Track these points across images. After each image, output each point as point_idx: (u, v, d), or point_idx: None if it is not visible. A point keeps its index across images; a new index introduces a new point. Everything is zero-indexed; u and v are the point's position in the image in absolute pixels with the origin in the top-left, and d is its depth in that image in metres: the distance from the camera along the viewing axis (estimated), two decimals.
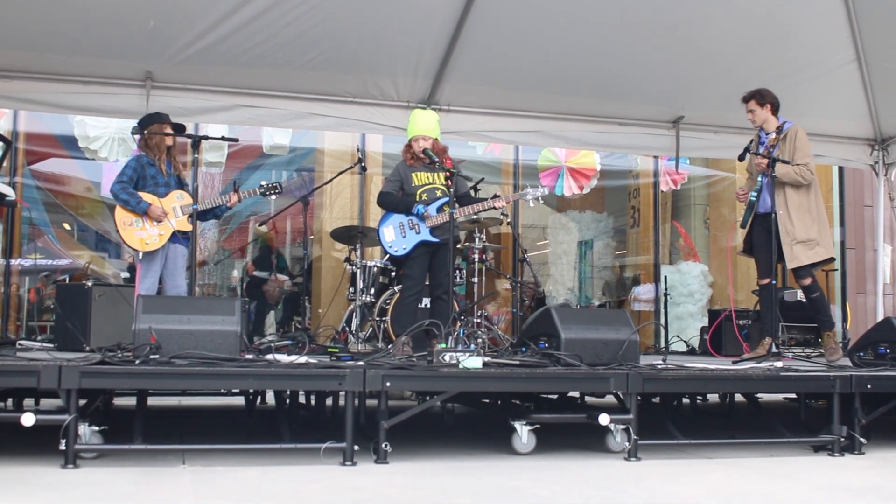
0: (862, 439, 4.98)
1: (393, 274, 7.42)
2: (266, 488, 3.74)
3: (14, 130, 9.61)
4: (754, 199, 6.15)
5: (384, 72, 7.29)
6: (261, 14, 6.38)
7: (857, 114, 8.06)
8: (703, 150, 8.77)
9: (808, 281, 6.08)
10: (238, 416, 6.76)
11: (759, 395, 5.80)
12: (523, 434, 4.68)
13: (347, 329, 7.34)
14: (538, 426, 4.71)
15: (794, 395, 6.54)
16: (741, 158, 6.31)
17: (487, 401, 6.08)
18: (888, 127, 8.41)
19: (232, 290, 11.33)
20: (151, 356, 4.31)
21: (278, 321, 11.04)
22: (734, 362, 5.74)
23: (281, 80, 7.13)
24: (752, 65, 7.44)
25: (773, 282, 6.05)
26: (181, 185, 6.05)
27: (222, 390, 6.70)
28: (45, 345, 6.39)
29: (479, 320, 7.30)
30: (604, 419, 4.61)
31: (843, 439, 4.92)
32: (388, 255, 6.67)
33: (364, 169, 7.90)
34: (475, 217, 7.28)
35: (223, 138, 7.10)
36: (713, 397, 7.53)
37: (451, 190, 5.66)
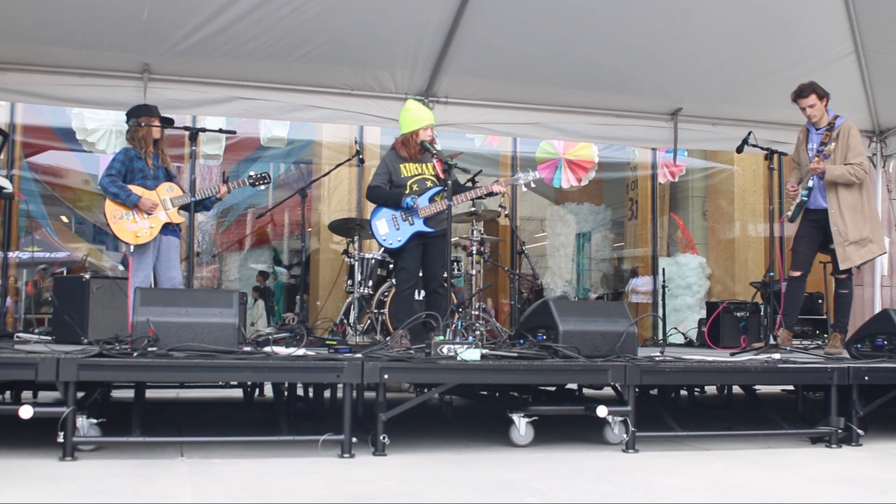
0: (859, 431, 4.99)
1: (391, 266, 7.40)
2: (264, 480, 3.74)
3: (11, 123, 9.58)
4: (805, 199, 6.11)
5: (382, 64, 7.27)
6: (258, 6, 6.36)
7: (856, 106, 8.04)
8: (701, 142, 8.76)
9: (845, 275, 6.10)
10: (236, 408, 6.76)
11: (756, 386, 5.82)
12: (521, 426, 4.68)
13: (345, 321, 7.34)
14: (536, 418, 4.71)
15: (791, 387, 6.56)
16: (739, 150, 6.30)
17: (485, 393, 6.09)
18: (886, 119, 8.41)
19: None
20: (149, 348, 4.31)
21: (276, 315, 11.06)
22: (732, 354, 5.74)
23: (278, 72, 7.12)
24: (750, 57, 7.44)
25: (804, 275, 6.12)
26: (170, 177, 5.96)
27: (220, 383, 6.72)
28: (42, 337, 6.39)
29: (477, 312, 7.30)
30: (602, 411, 4.61)
31: (840, 431, 4.93)
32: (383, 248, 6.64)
33: (362, 161, 7.89)
34: (473, 209, 7.28)
35: (220, 130, 7.16)
36: (711, 389, 7.55)
37: (449, 181, 5.60)
